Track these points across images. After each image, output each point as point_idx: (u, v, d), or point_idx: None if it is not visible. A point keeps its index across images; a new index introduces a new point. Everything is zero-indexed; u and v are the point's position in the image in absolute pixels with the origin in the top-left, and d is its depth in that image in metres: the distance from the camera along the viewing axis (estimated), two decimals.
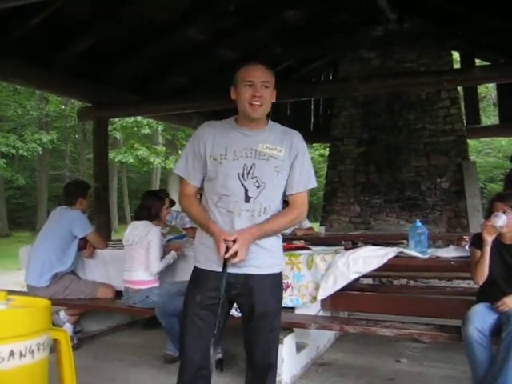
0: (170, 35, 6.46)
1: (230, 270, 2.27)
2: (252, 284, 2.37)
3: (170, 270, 4.48)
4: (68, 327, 4.51)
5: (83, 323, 4.94)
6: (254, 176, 2.36)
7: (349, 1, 7.44)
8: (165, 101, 7.42)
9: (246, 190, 2.35)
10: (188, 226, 5.30)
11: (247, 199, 2.35)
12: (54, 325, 3.68)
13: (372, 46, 9.10)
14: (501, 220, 3.16)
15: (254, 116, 2.36)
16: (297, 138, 2.48)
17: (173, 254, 4.40)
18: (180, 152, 22.85)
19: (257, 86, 2.33)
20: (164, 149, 23.98)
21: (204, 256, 2.43)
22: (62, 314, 4.64)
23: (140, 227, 4.31)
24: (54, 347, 1.91)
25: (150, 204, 4.47)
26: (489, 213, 3.36)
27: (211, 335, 2.30)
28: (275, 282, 2.48)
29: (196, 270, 2.48)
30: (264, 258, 2.39)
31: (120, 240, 5.19)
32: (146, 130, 21.10)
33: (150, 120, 18.65)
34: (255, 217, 2.35)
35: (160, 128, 22.23)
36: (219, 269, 2.30)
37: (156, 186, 24.38)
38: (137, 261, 4.24)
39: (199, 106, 7.40)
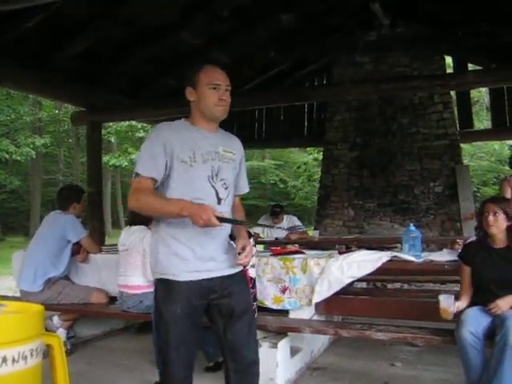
0: (164, 39, 6.46)
1: (206, 275, 2.30)
2: (229, 283, 2.38)
3: None
4: (61, 332, 4.49)
5: (76, 328, 4.92)
6: (222, 178, 2.38)
7: (343, 4, 7.45)
8: (159, 105, 7.40)
9: (217, 193, 2.36)
10: None
11: (219, 201, 2.36)
12: (47, 330, 3.68)
13: (365, 50, 9.13)
14: (451, 304, 3.13)
15: (221, 117, 2.40)
16: (239, 142, 2.60)
17: None
18: None
19: (222, 90, 2.37)
20: None
21: (174, 267, 2.29)
22: (56, 320, 4.62)
23: (136, 232, 4.28)
24: (47, 353, 1.90)
25: None
26: (480, 214, 3.38)
27: (198, 341, 2.34)
28: (244, 279, 2.58)
29: (165, 282, 2.31)
30: (233, 256, 2.40)
31: (114, 245, 5.18)
32: (141, 134, 21.07)
33: (145, 124, 18.63)
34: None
35: None
36: (191, 277, 2.28)
37: None
38: (133, 266, 4.20)
39: None
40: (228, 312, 2.36)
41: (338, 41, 9.17)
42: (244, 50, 7.85)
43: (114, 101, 7.53)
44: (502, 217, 3.25)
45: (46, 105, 21.70)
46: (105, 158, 18.09)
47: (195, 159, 2.31)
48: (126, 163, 21.27)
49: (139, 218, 4.30)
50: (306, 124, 10.66)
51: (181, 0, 5.91)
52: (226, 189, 2.40)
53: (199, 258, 2.30)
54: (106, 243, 6.85)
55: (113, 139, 21.32)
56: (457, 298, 3.24)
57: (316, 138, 10.23)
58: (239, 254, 2.32)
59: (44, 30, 5.50)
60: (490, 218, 3.26)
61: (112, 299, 4.68)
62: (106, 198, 20.30)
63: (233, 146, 2.50)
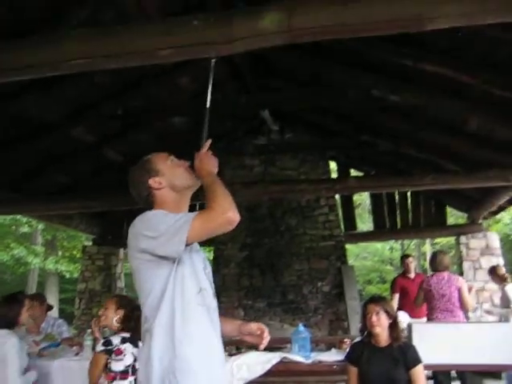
0: (54, 134, 6.36)
1: None
2: None
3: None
4: None
5: None
6: (208, 270, 2.18)
7: (234, 111, 7.78)
8: (46, 200, 7.17)
9: (211, 284, 2.15)
10: (65, 335, 5.00)
11: (214, 294, 2.15)
12: None
13: (255, 153, 9.49)
14: None
15: (199, 183, 2.19)
16: None
17: (33, 373, 4.08)
18: (60, 253, 21.94)
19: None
20: (43, 249, 22.86)
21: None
22: None
23: None
24: None
25: (6, 310, 4.10)
26: (363, 316, 3.50)
27: None
28: None
29: None
30: None
31: None
32: (25, 229, 20.11)
33: (30, 218, 17.87)
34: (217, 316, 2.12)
35: (40, 227, 21.30)
36: None
37: (33, 288, 22.91)
38: None
39: (82, 206, 7.25)
40: None
41: (228, 144, 9.50)
42: (136, 149, 7.89)
43: None
44: (383, 316, 3.39)
45: None
46: None
47: (191, 246, 2.04)
48: (7, 258, 20.05)
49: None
50: None
51: (74, 96, 5.91)
52: (210, 282, 2.15)
53: None
54: None
55: None
56: None
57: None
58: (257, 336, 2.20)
59: None
60: (374, 318, 3.38)
61: None
62: None
63: None
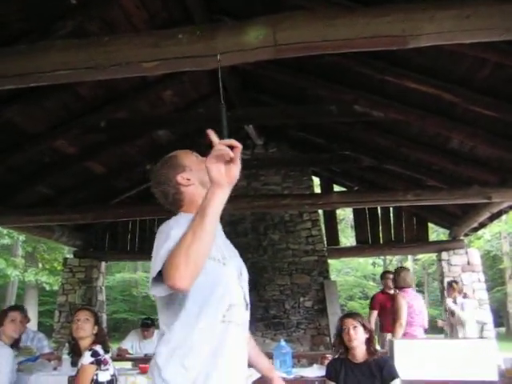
0: (36, 146, 6.33)
1: None
2: None
3: None
4: None
5: None
6: (244, 278, 1.99)
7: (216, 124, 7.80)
8: (28, 212, 7.09)
9: (244, 295, 1.95)
10: (46, 350, 4.93)
11: (246, 306, 1.94)
12: None
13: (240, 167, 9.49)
14: None
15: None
16: None
17: None
18: (41, 265, 21.67)
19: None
20: (23, 261, 22.60)
21: None
22: None
23: None
24: None
25: None
26: (339, 330, 3.51)
27: None
28: None
29: None
30: None
31: None
32: (6, 240, 19.90)
33: (11, 230, 17.66)
34: (246, 331, 1.94)
35: (21, 239, 21.08)
36: None
37: (12, 300, 22.63)
38: None
39: (65, 219, 7.20)
40: None
41: None
42: (119, 162, 7.87)
43: None
44: (361, 329, 3.41)
45: None
46: None
47: (224, 255, 1.88)
48: None
49: None
50: None
51: (57, 108, 5.89)
52: (249, 290, 1.98)
53: None
54: None
55: None
56: None
57: None
58: None
59: None
60: (351, 332, 3.39)
61: None
62: None
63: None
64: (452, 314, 7.14)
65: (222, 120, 2.13)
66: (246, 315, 1.92)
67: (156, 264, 1.63)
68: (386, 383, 3.35)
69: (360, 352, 3.42)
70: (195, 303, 1.74)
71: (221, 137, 1.68)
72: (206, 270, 1.63)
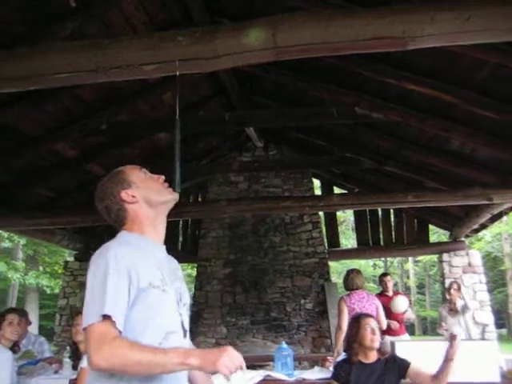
0: (36, 148, 6.33)
1: None
2: None
3: None
4: None
5: None
6: (184, 303, 1.90)
7: (219, 128, 7.81)
8: (29, 215, 7.09)
9: (182, 322, 1.86)
10: (47, 355, 4.93)
11: (184, 334, 1.86)
12: None
13: (240, 170, 9.51)
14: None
15: (176, 199, 2.00)
16: None
17: None
18: (41, 269, 21.65)
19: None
20: (24, 264, 22.61)
21: None
22: None
23: None
24: None
25: None
26: (354, 332, 3.49)
27: None
28: None
29: None
30: None
31: None
32: (6, 244, 19.90)
33: (11, 233, 17.66)
34: None
35: (22, 242, 21.09)
36: None
37: (12, 303, 22.64)
38: None
39: (65, 222, 7.19)
40: None
41: (213, 161, 9.51)
42: (120, 164, 7.85)
43: None
44: (377, 330, 3.39)
45: None
46: None
47: (165, 281, 1.79)
48: None
49: None
50: (180, 240, 10.62)
51: (57, 111, 5.89)
52: (188, 316, 1.91)
53: None
54: None
55: None
56: None
57: (190, 254, 10.19)
58: None
59: None
60: (375, 332, 3.37)
61: None
62: None
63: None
64: (466, 308, 7.17)
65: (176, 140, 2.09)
66: (185, 342, 1.86)
67: (89, 315, 1.64)
68: (404, 372, 3.32)
69: (374, 352, 3.41)
70: (131, 331, 1.69)
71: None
72: (147, 302, 1.70)
